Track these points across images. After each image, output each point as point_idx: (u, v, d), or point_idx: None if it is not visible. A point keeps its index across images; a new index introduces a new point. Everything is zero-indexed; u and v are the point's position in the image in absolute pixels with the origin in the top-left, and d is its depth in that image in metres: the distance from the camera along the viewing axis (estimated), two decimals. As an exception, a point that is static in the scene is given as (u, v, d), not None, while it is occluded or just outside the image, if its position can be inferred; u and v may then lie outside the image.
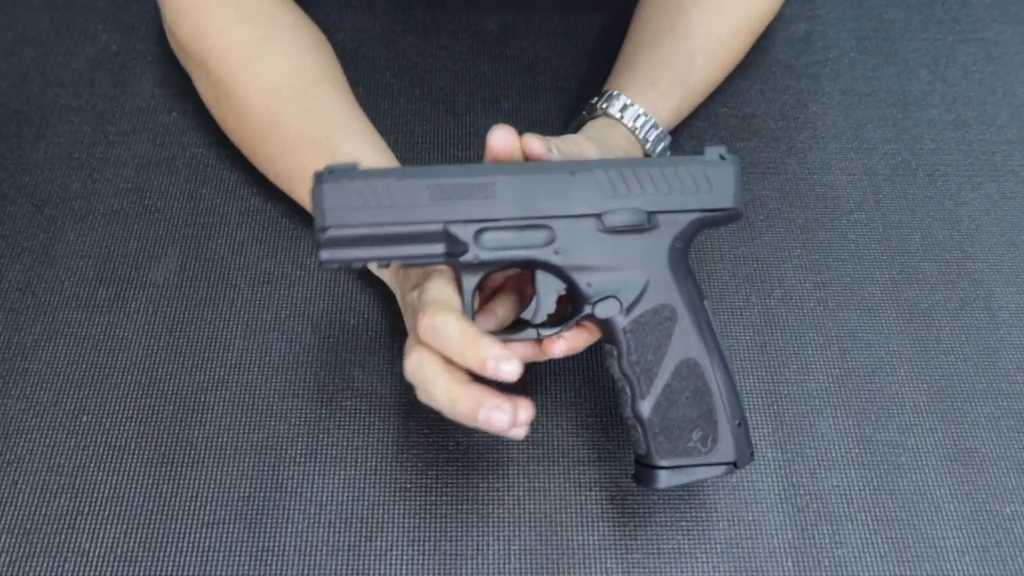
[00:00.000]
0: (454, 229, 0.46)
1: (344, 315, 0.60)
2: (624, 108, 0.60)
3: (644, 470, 0.49)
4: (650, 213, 0.47)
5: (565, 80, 0.71)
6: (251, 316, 0.60)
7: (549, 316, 0.49)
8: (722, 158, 0.48)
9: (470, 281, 0.47)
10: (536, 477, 0.54)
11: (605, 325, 0.48)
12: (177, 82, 0.70)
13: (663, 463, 0.48)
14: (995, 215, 0.65)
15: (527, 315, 0.49)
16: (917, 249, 0.63)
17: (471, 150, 0.67)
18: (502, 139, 0.48)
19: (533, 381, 0.57)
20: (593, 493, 0.54)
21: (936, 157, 0.68)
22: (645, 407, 0.48)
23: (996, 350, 0.59)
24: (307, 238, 0.63)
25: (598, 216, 0.47)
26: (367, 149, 0.56)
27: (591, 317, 0.48)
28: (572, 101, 0.70)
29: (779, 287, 0.62)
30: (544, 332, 0.48)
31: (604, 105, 0.60)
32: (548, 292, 0.48)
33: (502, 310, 0.51)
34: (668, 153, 0.61)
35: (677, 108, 0.63)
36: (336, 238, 0.46)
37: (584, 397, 0.57)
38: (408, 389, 0.57)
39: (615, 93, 0.60)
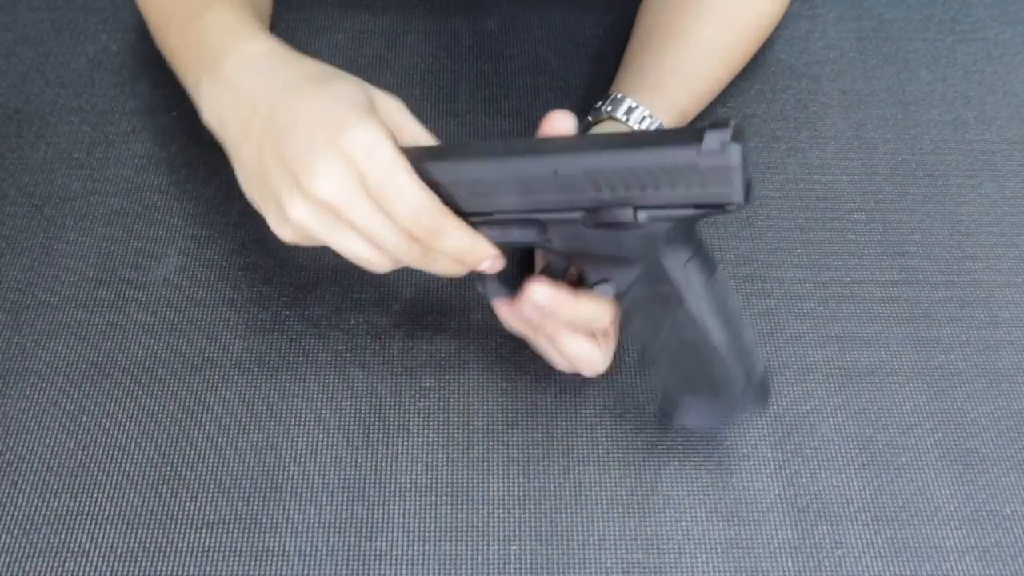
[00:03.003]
0: None
1: (344, 315, 0.60)
2: (629, 111, 0.59)
3: (667, 404, 0.52)
4: (636, 208, 0.45)
5: (566, 80, 0.71)
6: (251, 316, 0.60)
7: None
8: (723, 145, 0.45)
9: None
10: (536, 477, 0.54)
11: None
12: (177, 82, 0.70)
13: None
14: (995, 215, 0.65)
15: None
16: (917, 249, 0.63)
17: (471, 150, 0.67)
18: (559, 125, 0.49)
19: (533, 380, 0.57)
20: (593, 493, 0.54)
21: (936, 157, 0.68)
22: (650, 365, 0.52)
23: (996, 350, 0.59)
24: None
25: (584, 212, 0.47)
26: (229, 13, 0.55)
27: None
28: (573, 101, 0.70)
29: (779, 287, 0.61)
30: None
31: (609, 108, 0.60)
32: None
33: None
34: None
35: (683, 112, 0.63)
36: None
37: (584, 396, 0.57)
38: (408, 389, 0.57)
39: (619, 96, 0.60)
